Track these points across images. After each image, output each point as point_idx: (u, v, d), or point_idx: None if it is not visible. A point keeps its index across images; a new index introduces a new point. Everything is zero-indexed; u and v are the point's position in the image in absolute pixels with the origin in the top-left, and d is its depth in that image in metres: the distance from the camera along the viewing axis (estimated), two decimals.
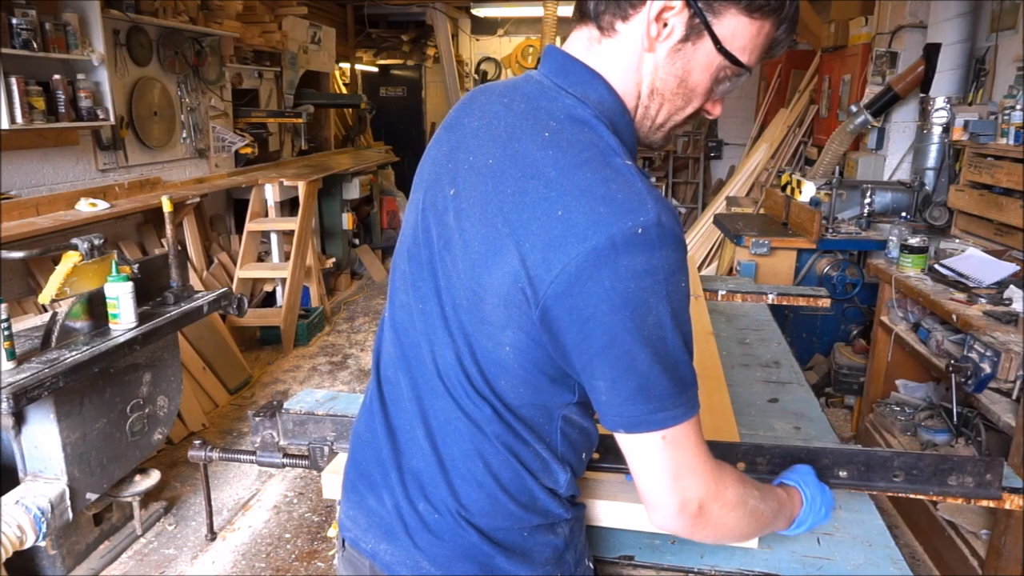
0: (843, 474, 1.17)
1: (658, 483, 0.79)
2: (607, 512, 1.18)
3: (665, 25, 0.78)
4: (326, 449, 1.35)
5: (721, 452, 1.19)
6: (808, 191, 3.96)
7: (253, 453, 1.44)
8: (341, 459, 1.29)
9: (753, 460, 1.17)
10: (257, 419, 1.39)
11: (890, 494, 1.21)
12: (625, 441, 0.79)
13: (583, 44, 0.84)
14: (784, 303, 2.52)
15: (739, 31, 0.78)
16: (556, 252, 0.72)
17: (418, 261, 0.88)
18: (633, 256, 0.70)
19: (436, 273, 0.85)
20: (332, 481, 1.23)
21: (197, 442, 1.51)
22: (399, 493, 0.89)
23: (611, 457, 1.22)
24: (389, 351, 0.95)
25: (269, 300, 5.23)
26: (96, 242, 2.35)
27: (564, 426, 0.87)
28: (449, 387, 0.85)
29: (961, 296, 2.69)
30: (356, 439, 0.99)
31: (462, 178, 0.83)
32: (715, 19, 0.77)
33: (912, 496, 1.18)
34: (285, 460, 1.41)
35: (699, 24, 0.77)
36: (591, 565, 1.00)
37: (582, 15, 0.83)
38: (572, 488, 0.92)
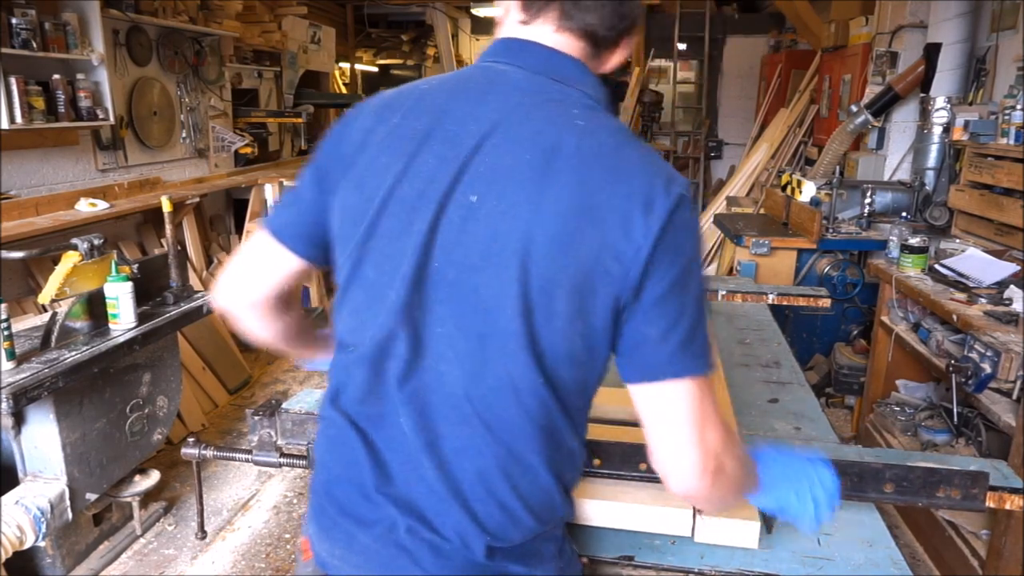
0: None
1: (685, 435, 0.80)
2: (602, 511, 1.19)
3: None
4: None
5: None
6: (808, 191, 3.96)
7: (249, 452, 1.44)
8: None
9: None
10: (256, 418, 1.39)
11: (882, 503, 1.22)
12: (649, 396, 0.81)
13: (539, 33, 0.87)
14: (784, 303, 2.52)
15: None
16: (644, 221, 0.76)
17: (427, 276, 0.82)
18: (694, 211, 0.82)
19: (464, 286, 0.80)
20: None
21: (191, 440, 1.51)
22: (399, 525, 0.86)
23: (612, 463, 1.22)
24: (363, 382, 0.88)
25: None
26: (96, 242, 2.35)
27: (592, 398, 0.89)
28: (481, 411, 0.82)
29: (961, 296, 2.69)
30: (326, 474, 0.93)
31: (491, 186, 0.80)
32: None
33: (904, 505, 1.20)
34: (282, 460, 1.41)
35: None
36: (574, 547, 1.03)
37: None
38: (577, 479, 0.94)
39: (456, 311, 0.81)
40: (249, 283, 0.99)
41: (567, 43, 0.86)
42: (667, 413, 0.81)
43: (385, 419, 0.87)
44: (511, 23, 0.88)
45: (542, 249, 0.77)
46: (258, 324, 1.03)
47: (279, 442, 1.41)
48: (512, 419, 0.83)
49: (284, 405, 1.45)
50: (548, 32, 0.85)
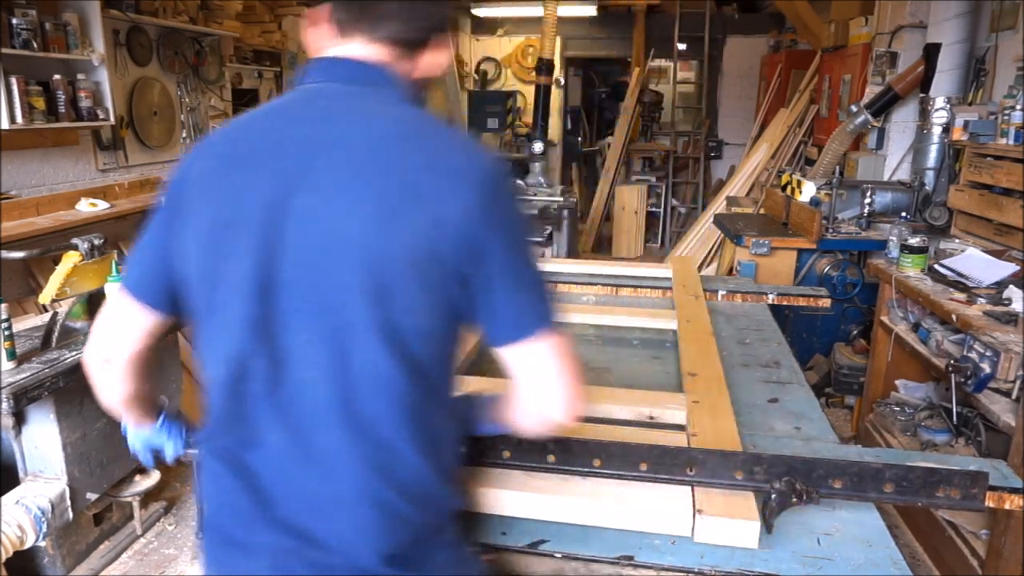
0: (837, 485, 1.19)
1: (554, 387, 0.90)
2: (602, 511, 1.19)
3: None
4: None
5: (720, 460, 1.19)
6: (808, 191, 3.96)
7: None
8: None
9: (751, 469, 1.18)
10: None
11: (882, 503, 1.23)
12: (521, 354, 0.89)
13: (344, 49, 0.95)
14: (784, 303, 2.52)
15: None
16: (461, 195, 0.83)
17: (276, 290, 0.84)
18: (510, 186, 0.90)
19: (313, 290, 0.84)
20: None
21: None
22: (282, 549, 0.87)
23: (612, 463, 1.22)
24: (227, 409, 0.90)
25: None
26: (96, 242, 2.35)
27: (454, 375, 0.97)
28: (335, 414, 0.85)
29: (961, 296, 2.69)
30: (208, 506, 0.94)
31: (320, 186, 0.84)
32: None
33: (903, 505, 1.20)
34: None
35: None
36: (473, 546, 1.05)
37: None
38: (457, 467, 0.99)
39: (311, 316, 0.84)
40: (114, 343, 1.00)
41: (377, 52, 0.93)
42: (540, 366, 0.89)
43: (256, 442, 0.89)
44: (327, 43, 0.95)
45: (375, 236, 0.81)
46: (117, 384, 1.02)
47: None
48: (380, 411, 0.85)
49: None
50: (359, 46, 0.93)
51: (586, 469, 1.22)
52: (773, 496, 1.15)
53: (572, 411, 0.91)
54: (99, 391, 1.03)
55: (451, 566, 0.95)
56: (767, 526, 1.15)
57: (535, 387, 0.91)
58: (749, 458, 1.19)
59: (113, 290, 0.97)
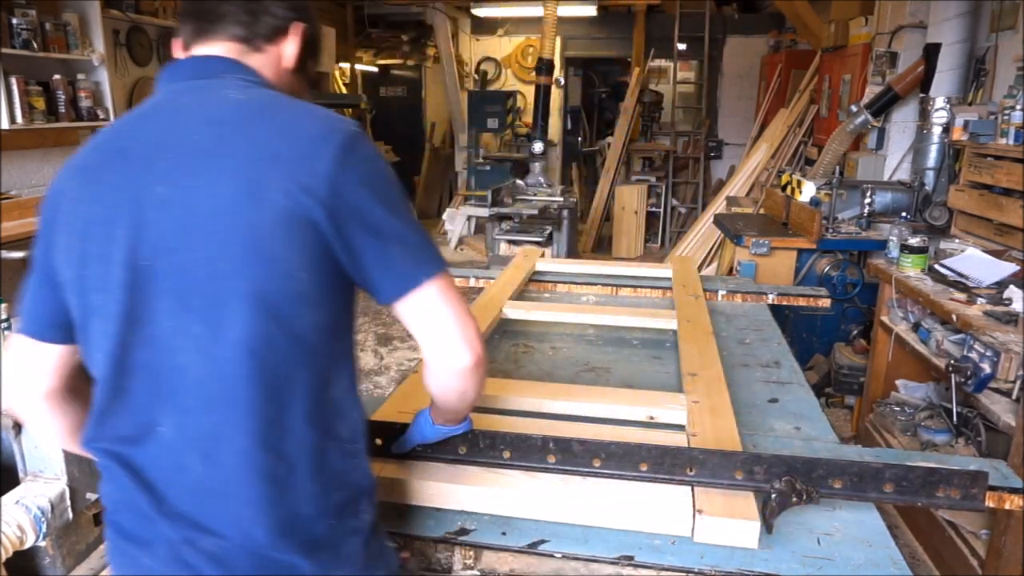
0: (837, 485, 1.18)
1: (463, 320, 0.91)
2: (602, 511, 1.19)
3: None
4: None
5: (720, 460, 1.19)
6: (808, 191, 3.96)
7: None
8: None
9: (751, 469, 1.18)
10: None
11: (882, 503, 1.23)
12: (411, 306, 0.90)
13: (204, 49, 0.99)
14: (784, 303, 2.52)
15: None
16: (316, 160, 0.85)
17: (142, 279, 0.85)
18: (365, 146, 0.89)
19: (178, 272, 0.85)
20: None
21: None
22: (175, 539, 0.87)
23: (612, 463, 1.22)
24: (112, 406, 0.90)
25: None
26: None
27: (354, 347, 0.96)
28: (230, 387, 0.85)
29: (961, 296, 2.69)
30: (107, 503, 0.94)
31: (170, 173, 0.86)
32: None
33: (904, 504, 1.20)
34: None
35: None
36: (392, 544, 1.03)
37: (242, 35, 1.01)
38: (367, 446, 0.97)
39: (178, 300, 0.85)
40: (26, 387, 1.00)
41: (223, 49, 0.98)
42: (431, 313, 0.90)
43: (142, 436, 0.89)
44: (181, 52, 1.01)
45: (237, 208, 0.83)
46: (51, 421, 1.04)
47: None
48: (261, 385, 0.85)
49: None
50: (205, 48, 0.98)
51: (586, 469, 1.22)
52: (773, 496, 1.15)
53: (473, 350, 0.91)
54: (35, 430, 1.04)
55: (358, 558, 0.93)
56: (767, 526, 1.15)
57: (432, 336, 0.91)
58: (749, 458, 1.19)
59: (13, 340, 0.98)
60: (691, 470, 1.20)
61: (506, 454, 1.24)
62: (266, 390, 0.85)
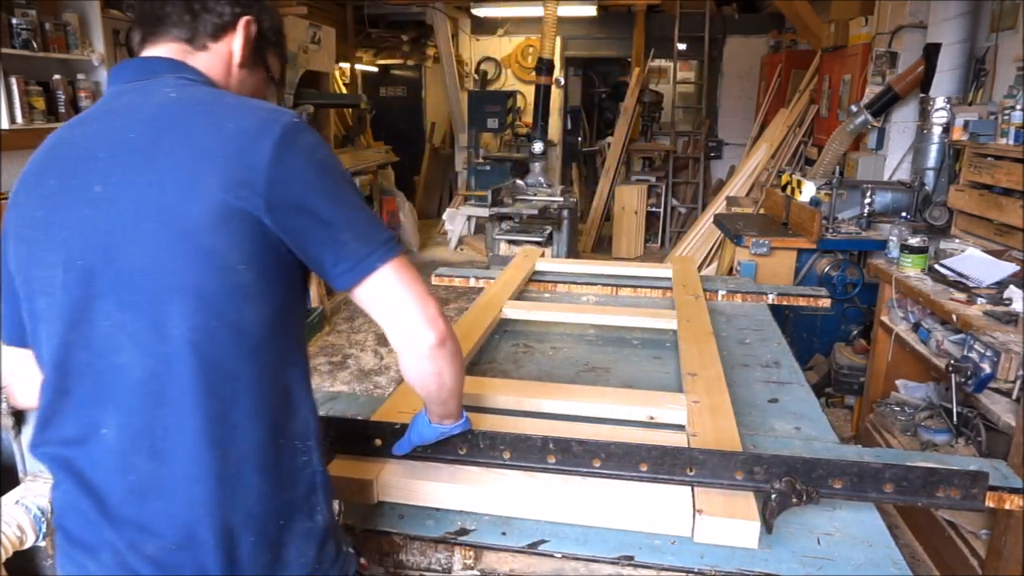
0: (837, 485, 1.18)
1: (422, 300, 0.92)
2: (602, 511, 1.19)
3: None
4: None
5: (720, 460, 1.19)
6: (808, 191, 3.96)
7: None
8: (342, 460, 1.29)
9: (751, 470, 1.18)
10: None
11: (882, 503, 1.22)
12: (381, 283, 0.90)
13: (151, 49, 1.00)
14: (784, 303, 2.52)
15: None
16: (252, 153, 0.84)
17: (84, 279, 0.86)
18: (305, 136, 0.89)
19: (117, 270, 0.85)
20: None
21: None
22: (119, 544, 0.86)
23: (612, 463, 1.22)
24: (55, 408, 0.90)
25: None
26: None
27: (302, 344, 0.96)
28: (159, 389, 0.84)
29: (961, 296, 2.69)
30: (56, 506, 0.93)
31: (106, 172, 0.87)
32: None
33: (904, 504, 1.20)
34: None
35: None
36: (351, 549, 1.01)
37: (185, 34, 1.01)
38: (319, 443, 0.95)
39: (118, 298, 0.84)
40: (26, 393, 1.02)
41: (166, 50, 0.99)
42: (388, 297, 0.91)
43: (85, 439, 0.88)
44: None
45: (171, 204, 0.83)
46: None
47: None
48: (206, 381, 0.84)
49: None
50: (151, 50, 0.99)
51: (585, 469, 1.22)
52: (773, 496, 1.15)
53: (436, 328, 0.92)
54: None
55: (309, 561, 0.91)
56: (767, 526, 1.15)
57: (392, 320, 0.91)
58: (749, 458, 1.19)
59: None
60: (691, 470, 1.20)
61: (506, 454, 1.24)
62: (211, 386, 0.84)
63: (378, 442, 1.27)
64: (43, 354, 0.91)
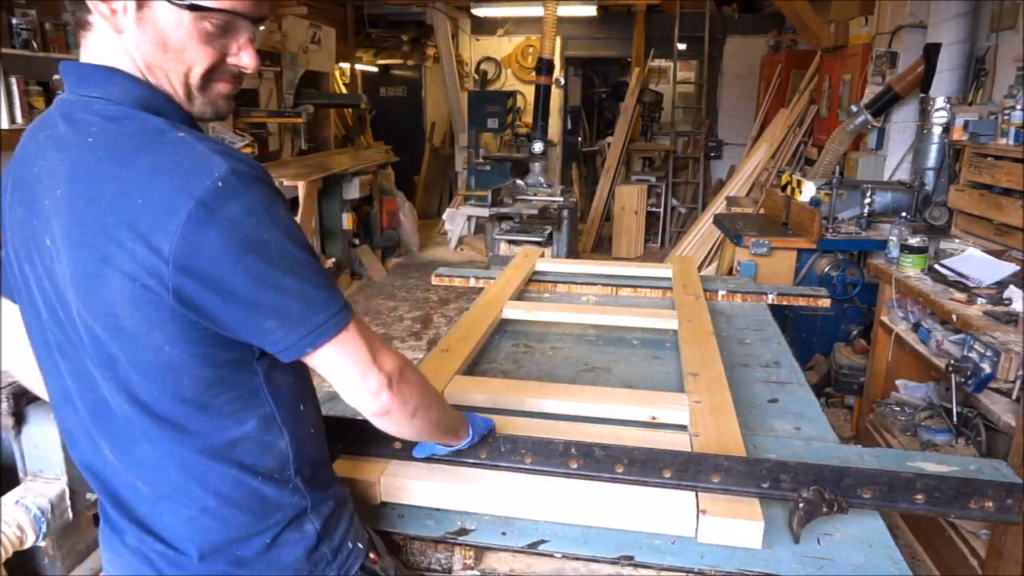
0: (866, 495, 1.16)
1: (362, 374, 0.87)
2: (603, 511, 1.19)
3: (113, 7, 0.82)
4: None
5: (745, 468, 1.18)
6: (808, 191, 3.96)
7: None
8: (344, 461, 1.29)
9: (778, 477, 1.16)
10: None
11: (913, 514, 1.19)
12: (321, 360, 0.85)
13: (85, 47, 0.87)
14: (784, 303, 2.52)
15: None
16: (159, 235, 0.75)
17: (48, 329, 0.89)
18: (227, 207, 0.76)
19: (63, 330, 0.87)
20: None
21: None
22: (139, 543, 0.93)
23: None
24: (65, 427, 0.97)
25: None
26: None
27: (270, 382, 0.90)
28: (136, 430, 0.86)
29: (961, 296, 2.69)
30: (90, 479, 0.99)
31: (50, 224, 0.82)
32: None
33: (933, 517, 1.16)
34: None
35: None
36: (360, 545, 1.02)
37: (75, 22, 0.88)
38: (309, 467, 0.96)
39: (83, 346, 0.86)
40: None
41: (92, 48, 0.87)
42: (337, 369, 0.86)
43: (97, 451, 0.92)
44: None
45: (93, 280, 0.79)
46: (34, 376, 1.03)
47: None
48: (168, 434, 0.86)
49: None
50: (82, 50, 0.89)
51: (607, 475, 1.21)
52: (801, 506, 1.12)
53: (378, 402, 0.89)
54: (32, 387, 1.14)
55: (299, 565, 0.94)
56: (794, 536, 1.13)
57: (340, 389, 0.89)
58: (776, 466, 1.16)
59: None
60: (716, 477, 1.17)
61: (527, 459, 1.22)
62: (174, 438, 0.86)
63: (398, 444, 1.25)
64: (46, 373, 0.95)
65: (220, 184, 0.76)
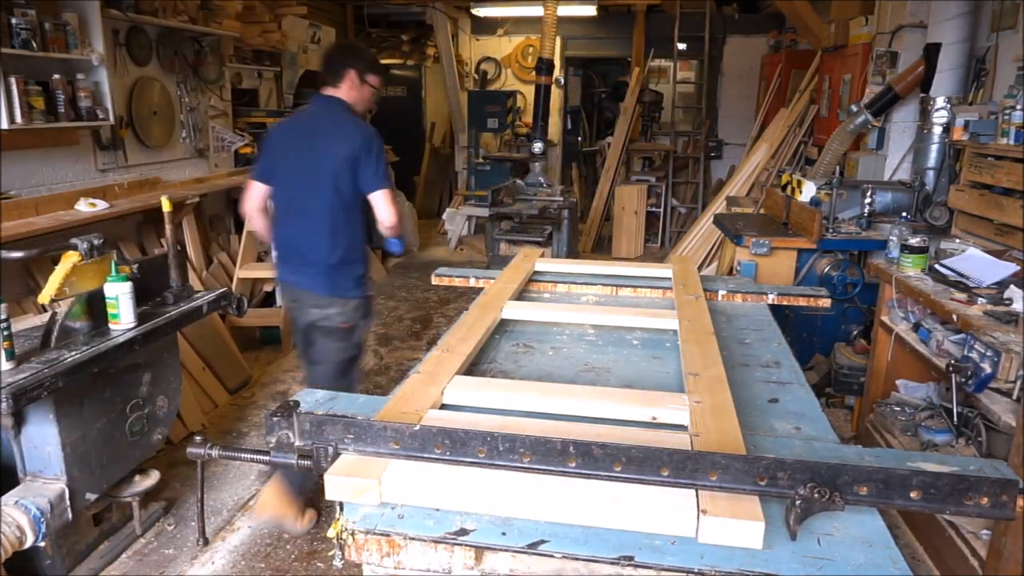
0: (863, 492, 1.16)
1: (389, 207, 2.62)
2: (603, 511, 1.19)
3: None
4: (330, 450, 1.34)
5: (742, 466, 1.17)
6: (808, 191, 3.96)
7: (255, 451, 1.43)
8: (343, 461, 1.28)
9: (775, 475, 1.16)
10: (273, 419, 1.36)
11: (908, 511, 1.20)
12: (375, 198, 2.61)
13: (336, 88, 2.74)
14: (784, 303, 2.52)
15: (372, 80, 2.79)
16: (352, 146, 2.58)
17: (305, 166, 2.62)
18: (372, 140, 2.62)
19: (315, 166, 2.61)
20: (334, 482, 1.23)
21: (198, 439, 1.48)
22: (298, 262, 2.71)
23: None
24: (285, 207, 2.72)
25: (269, 300, 5.23)
26: (95, 242, 2.35)
27: (363, 207, 2.68)
28: (325, 210, 2.61)
29: (961, 296, 2.69)
30: (279, 244, 2.79)
31: (311, 141, 2.65)
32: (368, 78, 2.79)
33: (929, 513, 1.17)
34: (300, 461, 1.37)
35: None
36: (371, 292, 2.83)
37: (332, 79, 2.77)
38: (362, 247, 2.78)
39: (306, 184, 2.64)
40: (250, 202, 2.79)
41: (330, 91, 2.73)
42: (379, 203, 2.62)
43: (292, 222, 2.71)
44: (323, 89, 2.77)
45: (331, 156, 2.58)
46: (259, 221, 2.80)
47: (296, 443, 1.37)
48: (330, 220, 2.64)
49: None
50: (325, 91, 2.74)
51: (605, 473, 1.21)
52: (797, 503, 1.12)
53: (391, 224, 2.64)
54: (256, 228, 2.88)
55: (358, 293, 2.73)
56: (791, 533, 1.13)
57: (378, 212, 2.62)
58: (772, 463, 1.16)
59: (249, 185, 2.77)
60: (713, 475, 1.17)
61: (526, 458, 1.22)
62: (332, 223, 2.62)
63: (394, 445, 1.25)
64: (280, 201, 2.73)
65: (369, 130, 2.63)
